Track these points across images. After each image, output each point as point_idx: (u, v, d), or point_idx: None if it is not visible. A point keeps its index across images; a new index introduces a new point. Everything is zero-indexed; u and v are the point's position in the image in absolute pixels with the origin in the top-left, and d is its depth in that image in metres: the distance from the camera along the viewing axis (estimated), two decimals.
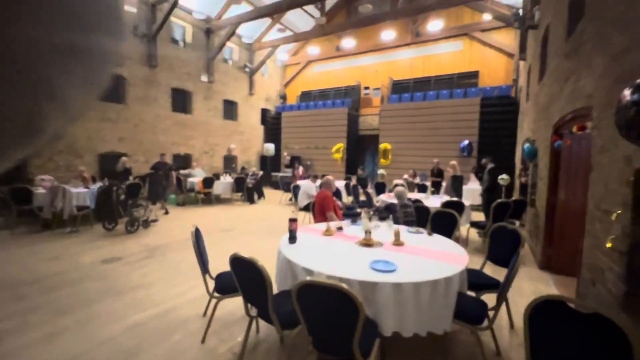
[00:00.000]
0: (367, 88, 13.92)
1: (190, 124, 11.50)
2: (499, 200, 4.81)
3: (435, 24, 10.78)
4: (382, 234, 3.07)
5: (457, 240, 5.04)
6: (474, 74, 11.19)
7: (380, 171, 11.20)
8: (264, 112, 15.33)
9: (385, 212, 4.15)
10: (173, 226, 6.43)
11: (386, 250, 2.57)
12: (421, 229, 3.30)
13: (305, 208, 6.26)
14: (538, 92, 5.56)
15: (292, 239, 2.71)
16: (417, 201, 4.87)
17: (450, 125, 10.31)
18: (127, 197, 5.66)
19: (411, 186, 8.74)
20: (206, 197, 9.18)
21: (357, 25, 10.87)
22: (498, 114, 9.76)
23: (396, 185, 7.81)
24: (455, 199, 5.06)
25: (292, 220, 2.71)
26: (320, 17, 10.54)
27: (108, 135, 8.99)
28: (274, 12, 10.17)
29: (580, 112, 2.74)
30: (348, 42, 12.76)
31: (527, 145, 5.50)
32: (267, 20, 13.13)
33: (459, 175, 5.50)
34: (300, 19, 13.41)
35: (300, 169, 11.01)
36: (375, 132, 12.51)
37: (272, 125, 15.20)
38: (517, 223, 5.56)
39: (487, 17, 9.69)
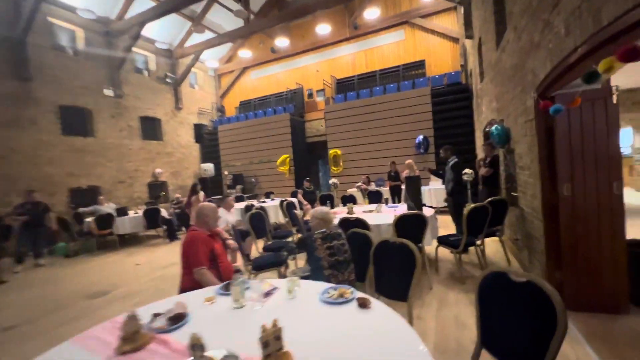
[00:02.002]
0: (310, 90, 12.55)
1: (93, 148, 9.21)
2: (473, 206, 3.40)
3: (371, 12, 9.72)
4: (266, 314, 1.40)
5: (423, 265, 3.53)
6: (420, 64, 10.26)
7: (332, 180, 9.68)
8: (199, 127, 13.32)
9: (300, 249, 2.52)
10: (10, 300, 4.26)
11: None
12: (350, 292, 1.68)
13: None
14: (498, 60, 4.37)
15: None
16: (358, 221, 3.28)
17: (402, 120, 9.15)
18: None
19: (365, 194, 7.30)
20: (107, 239, 6.98)
21: (287, 17, 9.49)
22: (450, 102, 8.77)
23: (347, 198, 6.29)
24: (413, 210, 3.57)
25: None
26: (240, 10, 9.00)
27: None
28: (181, 5, 8.44)
29: (627, 21, 1.33)
30: (282, 42, 11.36)
31: (494, 127, 4.23)
32: (187, 24, 11.39)
33: (414, 176, 4.06)
34: (225, 20, 11.82)
35: (201, 195, 6.74)
36: (324, 138, 11.09)
37: (209, 142, 13.22)
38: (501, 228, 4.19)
39: None
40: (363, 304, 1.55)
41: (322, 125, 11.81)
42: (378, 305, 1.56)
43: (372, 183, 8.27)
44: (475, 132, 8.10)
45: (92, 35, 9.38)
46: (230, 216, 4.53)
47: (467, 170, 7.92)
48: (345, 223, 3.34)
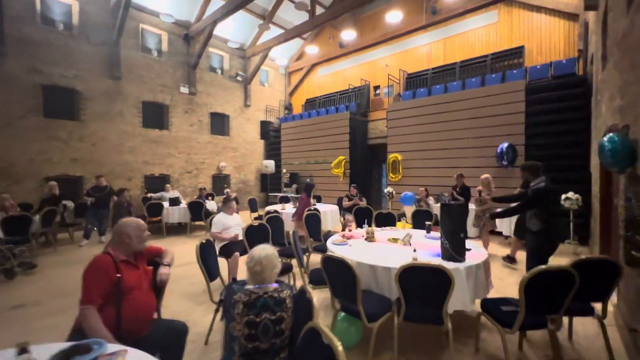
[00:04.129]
0: (377, 88, 11.40)
1: (167, 140, 10.17)
2: (539, 270, 2.02)
3: None
4: None
5: (446, 339, 2.31)
6: (517, 52, 8.04)
7: (387, 190, 8.53)
8: (265, 124, 13.64)
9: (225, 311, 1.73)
10: (53, 274, 4.68)
11: None
12: None
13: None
14: (628, 28, 2.70)
15: None
16: (342, 263, 2.30)
17: (482, 122, 7.31)
18: None
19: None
20: (157, 226, 7.45)
21: (351, 6, 8.63)
22: (555, 100, 6.55)
23: (382, 216, 5.15)
24: (435, 261, 2.35)
25: None
26: (302, 2, 8.56)
27: (57, 157, 7.90)
28: (247, 1, 8.47)
29: None
30: (350, 35, 10.54)
31: (608, 137, 2.59)
32: (259, 22, 11.64)
33: (453, 204, 2.71)
34: (296, 16, 11.61)
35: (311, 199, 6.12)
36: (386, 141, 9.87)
37: (274, 139, 13.41)
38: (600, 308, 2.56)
39: None
40: None
41: (386, 125, 10.59)
42: None
43: (431, 198, 6.80)
44: (592, 142, 5.80)
45: (174, 37, 10.34)
46: (231, 220, 4.06)
47: (569, 195, 5.85)
48: (327, 263, 2.41)
